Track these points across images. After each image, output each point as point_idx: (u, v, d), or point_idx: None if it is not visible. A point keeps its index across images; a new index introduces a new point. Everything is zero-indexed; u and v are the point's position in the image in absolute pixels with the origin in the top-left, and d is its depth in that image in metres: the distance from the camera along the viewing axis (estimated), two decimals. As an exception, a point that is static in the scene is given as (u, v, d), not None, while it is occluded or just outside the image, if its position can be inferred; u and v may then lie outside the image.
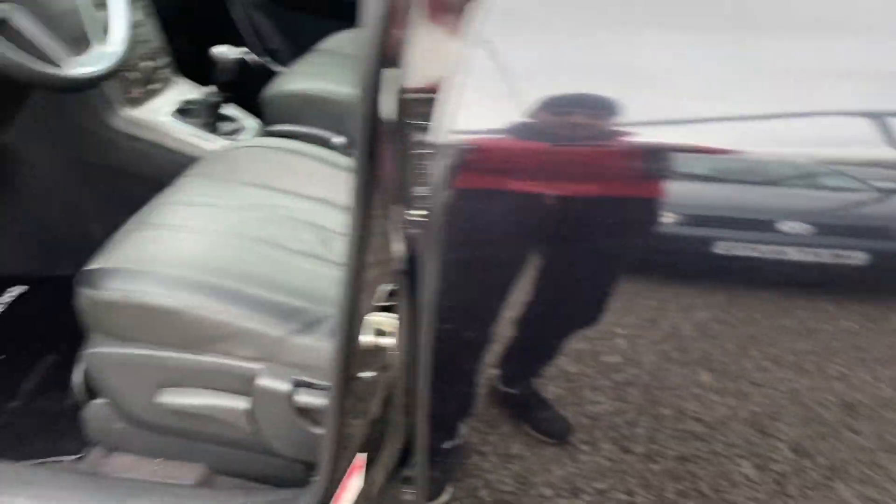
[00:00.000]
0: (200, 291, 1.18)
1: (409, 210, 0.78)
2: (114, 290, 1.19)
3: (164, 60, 1.88)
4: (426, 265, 0.75)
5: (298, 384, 1.17)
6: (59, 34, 1.28)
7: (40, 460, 1.39)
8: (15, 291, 1.88)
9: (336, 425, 0.96)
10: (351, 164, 0.83)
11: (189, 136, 1.75)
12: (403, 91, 0.77)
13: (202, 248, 1.26)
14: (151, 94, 1.79)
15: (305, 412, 1.18)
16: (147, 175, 1.76)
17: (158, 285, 1.18)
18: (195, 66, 1.99)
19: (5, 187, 1.86)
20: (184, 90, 1.90)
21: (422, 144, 0.74)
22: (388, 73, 0.77)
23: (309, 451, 1.23)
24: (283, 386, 1.17)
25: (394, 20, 0.76)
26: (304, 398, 1.17)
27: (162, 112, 1.78)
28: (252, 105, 1.99)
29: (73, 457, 1.40)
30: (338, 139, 1.88)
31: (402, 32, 0.76)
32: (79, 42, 1.33)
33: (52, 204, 1.87)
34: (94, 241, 1.92)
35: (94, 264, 1.25)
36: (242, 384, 1.19)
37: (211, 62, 1.82)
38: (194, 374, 1.20)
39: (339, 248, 1.34)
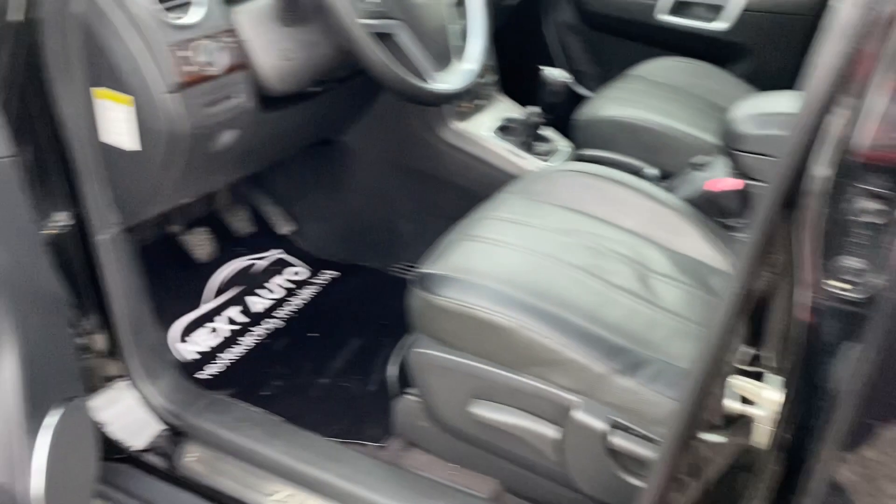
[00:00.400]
0: (530, 313, 1.19)
1: (830, 281, 0.70)
2: (448, 298, 1.24)
3: (492, 77, 1.95)
4: (851, 346, 0.67)
5: (615, 426, 1.14)
6: (429, 50, 1.37)
7: (346, 440, 1.49)
8: (327, 275, 2.07)
9: (662, 483, 0.91)
10: (743, 212, 0.76)
11: (508, 153, 1.80)
12: (848, 151, 0.69)
13: (525, 268, 1.28)
14: (478, 110, 1.87)
15: (617, 455, 1.15)
16: (462, 185, 1.84)
17: (490, 300, 1.21)
18: (515, 85, 2.05)
19: (334, 180, 2.06)
20: (506, 108, 1.96)
21: (866, 213, 0.66)
22: (828, 127, 0.71)
23: (611, 494, 1.20)
24: (599, 424, 1.14)
25: (850, 72, 0.69)
26: (619, 441, 1.14)
27: (485, 127, 1.85)
28: (562, 127, 2.00)
29: (376, 444, 1.49)
30: (650, 170, 1.82)
31: (857, 87, 0.69)
32: (442, 58, 1.42)
33: (371, 200, 2.03)
34: (402, 240, 2.07)
35: (427, 268, 1.31)
36: (556, 413, 1.18)
37: (531, 82, 1.85)
38: (510, 392, 1.22)
39: (661, 291, 1.29)
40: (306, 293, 2.00)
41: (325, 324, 1.88)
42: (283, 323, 1.89)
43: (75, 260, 1.37)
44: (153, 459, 1.45)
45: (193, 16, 1.23)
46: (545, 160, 1.83)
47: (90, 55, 1.21)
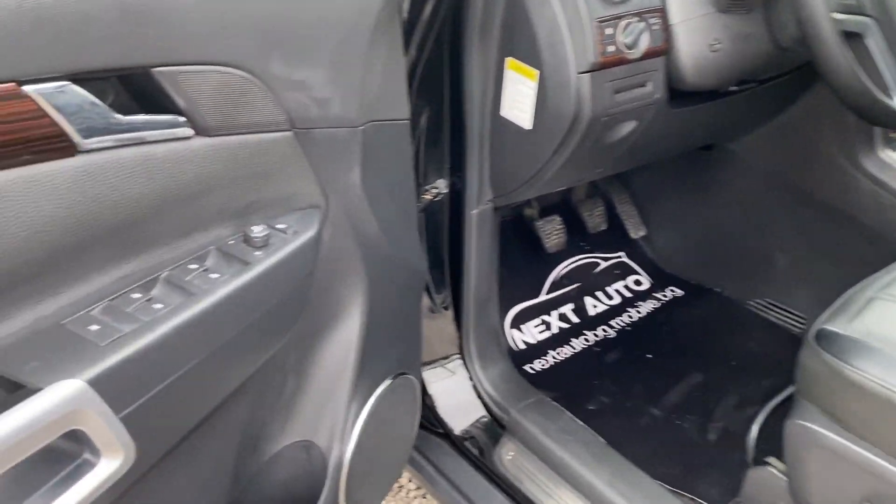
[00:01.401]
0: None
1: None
2: (865, 373, 0.97)
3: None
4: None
5: None
6: (897, 60, 1.08)
7: (676, 490, 1.30)
8: (670, 292, 1.87)
9: None
10: None
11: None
12: None
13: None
14: (913, 139, 1.51)
15: None
16: (875, 229, 1.51)
17: (927, 390, 0.92)
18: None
19: (702, 188, 1.83)
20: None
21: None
22: None
23: None
24: None
25: None
26: None
27: (920, 162, 1.49)
28: None
29: (713, 508, 1.29)
30: None
31: None
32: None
33: (742, 218, 1.78)
34: (772, 273, 1.79)
35: (835, 325, 1.05)
36: None
37: None
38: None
39: None
40: (645, 307, 1.82)
41: (661, 346, 1.69)
42: (614, 333, 1.73)
43: (442, 230, 1.35)
44: (468, 444, 1.40)
45: (625, -10, 1.10)
46: None
47: (510, 21, 1.14)
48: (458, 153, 1.27)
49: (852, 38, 1.05)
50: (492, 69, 1.19)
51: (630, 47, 1.11)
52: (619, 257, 1.94)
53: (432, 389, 1.41)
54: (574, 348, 1.69)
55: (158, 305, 0.68)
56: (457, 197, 1.31)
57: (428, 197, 1.27)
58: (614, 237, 1.94)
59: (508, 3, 1.13)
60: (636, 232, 1.93)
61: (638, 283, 1.90)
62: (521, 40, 1.14)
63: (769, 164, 1.65)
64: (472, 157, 1.26)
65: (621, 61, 1.11)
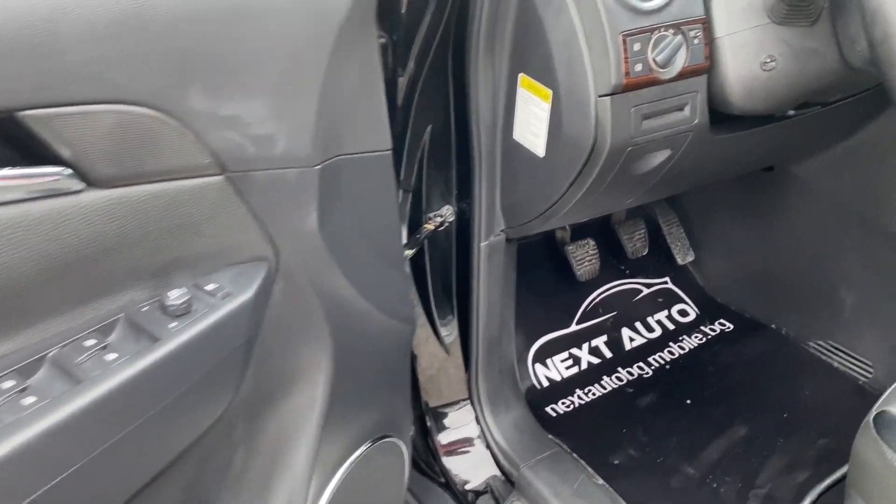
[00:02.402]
0: None
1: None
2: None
3: None
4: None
5: None
6: None
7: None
8: (719, 326, 1.68)
9: None
10: None
11: None
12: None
13: None
14: None
15: None
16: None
17: None
18: None
19: (760, 211, 1.63)
20: None
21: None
22: None
23: None
24: None
25: None
26: None
27: None
28: None
29: None
30: None
31: None
32: None
33: (804, 248, 1.56)
34: (837, 311, 1.57)
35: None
36: None
37: None
38: None
39: None
40: (689, 342, 1.63)
41: (703, 391, 1.50)
42: (651, 372, 1.56)
43: (449, 261, 1.20)
44: (473, 501, 1.26)
45: (660, -3, 0.92)
46: None
47: (522, 32, 0.98)
48: (466, 178, 1.12)
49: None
50: (503, 85, 1.03)
51: (663, 66, 0.93)
52: (664, 283, 1.75)
53: (438, 438, 1.28)
54: (604, 388, 1.52)
55: (29, 400, 0.56)
56: (464, 226, 1.16)
57: (430, 227, 1.13)
58: (659, 262, 1.75)
59: (520, 10, 0.97)
60: (684, 257, 1.73)
61: (683, 313, 1.71)
62: (534, 54, 0.98)
63: (836, 190, 1.43)
64: (479, 183, 1.11)
65: (652, 82, 0.93)
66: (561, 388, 1.51)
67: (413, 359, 1.19)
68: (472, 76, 1.01)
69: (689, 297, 1.74)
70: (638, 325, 1.66)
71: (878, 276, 1.44)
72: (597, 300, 1.67)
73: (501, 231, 1.17)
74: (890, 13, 0.77)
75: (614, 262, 1.70)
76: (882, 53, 0.79)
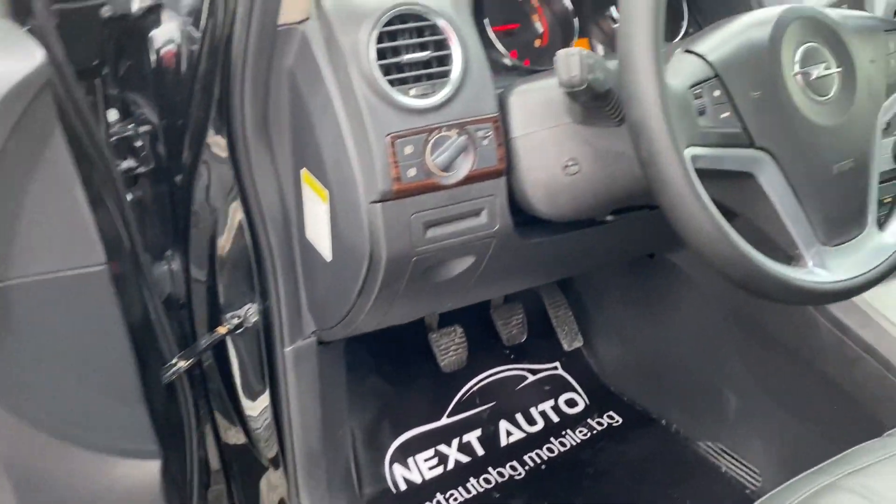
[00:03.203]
0: None
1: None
2: None
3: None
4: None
5: None
6: (821, 203, 0.77)
7: None
8: (607, 419, 1.55)
9: None
10: None
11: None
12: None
13: None
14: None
15: None
16: (842, 386, 1.16)
17: None
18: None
19: (648, 299, 1.51)
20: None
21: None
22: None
23: None
24: None
25: None
26: None
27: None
28: None
29: None
30: None
31: None
32: (843, 220, 0.79)
33: (692, 344, 1.44)
34: (723, 412, 1.44)
35: None
36: None
37: None
38: None
39: None
40: (571, 438, 1.50)
41: (577, 496, 1.37)
42: (524, 474, 1.42)
43: (253, 369, 1.08)
44: None
45: (439, 92, 0.81)
46: None
47: (297, 124, 0.87)
48: (263, 276, 1.01)
49: (736, 179, 0.74)
50: (289, 180, 0.92)
51: (445, 170, 0.82)
52: (554, 369, 1.63)
53: None
54: (469, 492, 1.39)
55: None
56: (268, 329, 1.04)
57: (223, 330, 1.01)
58: (549, 346, 1.62)
59: (292, 101, 0.86)
60: (570, 343, 1.61)
61: (572, 403, 1.58)
62: (309, 151, 0.87)
63: (715, 285, 1.32)
64: (276, 281, 0.99)
65: (433, 187, 0.82)
66: (420, 493, 1.38)
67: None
68: (244, 168, 0.90)
69: (580, 385, 1.61)
70: (519, 416, 1.53)
71: (761, 383, 1.32)
72: (475, 388, 1.55)
73: (313, 333, 1.05)
74: (654, 132, 0.66)
75: (492, 348, 1.57)
76: (650, 174, 0.68)
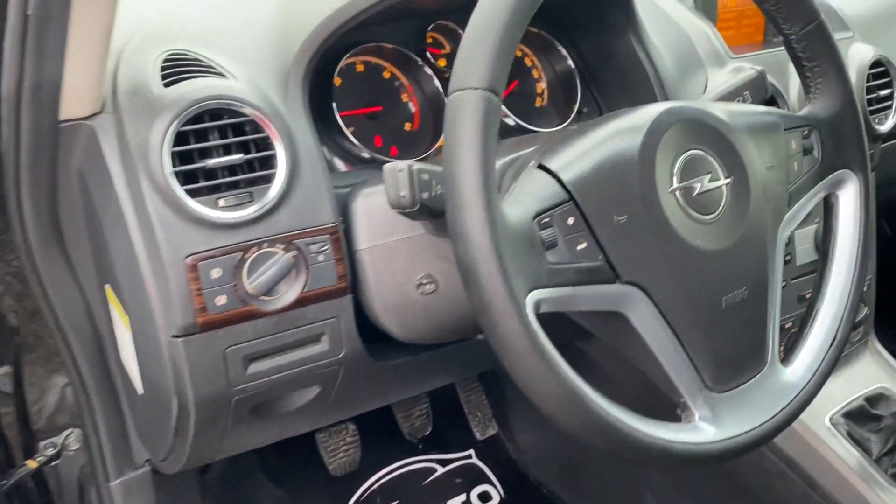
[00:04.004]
0: None
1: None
2: None
3: (864, 313, 1.11)
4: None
5: None
6: (716, 342, 0.64)
7: None
8: (526, 515, 1.40)
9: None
10: None
11: (868, 477, 0.95)
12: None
13: None
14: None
15: None
16: (759, 496, 1.04)
17: None
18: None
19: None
20: (879, 373, 1.09)
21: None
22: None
23: None
24: None
25: None
26: None
27: (824, 409, 1.02)
28: None
29: None
30: None
31: None
32: (741, 356, 0.66)
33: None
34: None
35: None
36: None
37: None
38: None
39: None
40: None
41: None
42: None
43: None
44: None
45: (258, 201, 0.67)
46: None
47: (92, 233, 0.73)
48: (78, 400, 0.85)
49: (607, 318, 0.61)
50: (96, 296, 0.77)
51: (267, 293, 0.68)
52: (467, 458, 1.48)
53: None
54: None
55: None
56: (90, 460, 0.88)
57: (32, 465, 0.85)
58: (456, 435, 1.47)
59: (85, 204, 0.72)
60: (484, 430, 1.47)
61: (485, 497, 1.43)
62: (108, 267, 0.72)
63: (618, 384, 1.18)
64: (90, 407, 0.83)
65: (252, 315, 0.68)
66: None
67: None
68: (33, 283, 0.75)
69: (496, 475, 1.46)
70: (428, 514, 1.38)
71: (683, 490, 1.19)
72: (376, 486, 1.39)
73: (147, 462, 0.89)
74: (484, 278, 0.52)
75: (393, 440, 1.42)
76: (484, 327, 0.54)
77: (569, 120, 0.94)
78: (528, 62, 0.97)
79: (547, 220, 0.57)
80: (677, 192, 0.62)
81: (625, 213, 0.60)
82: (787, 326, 1.01)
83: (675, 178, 0.62)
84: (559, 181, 0.59)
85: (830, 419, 1.02)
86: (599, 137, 0.62)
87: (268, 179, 0.68)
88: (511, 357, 0.54)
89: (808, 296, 0.99)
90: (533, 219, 0.56)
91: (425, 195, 0.58)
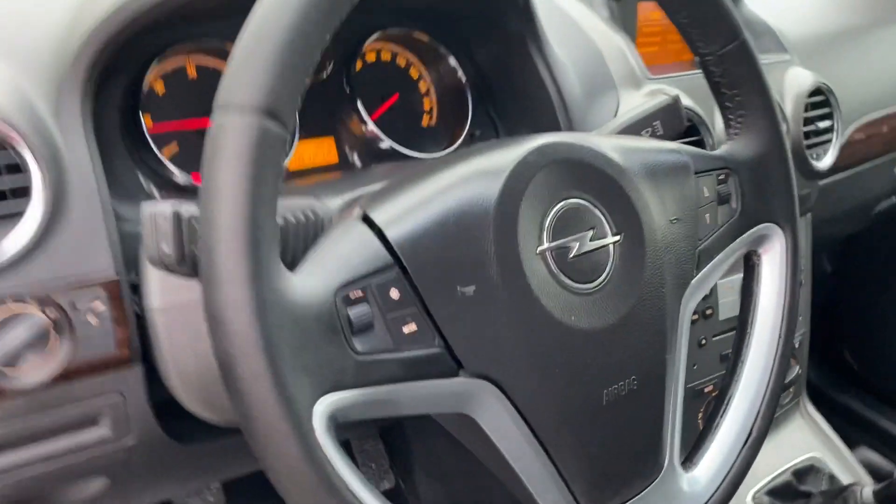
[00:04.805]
0: None
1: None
2: None
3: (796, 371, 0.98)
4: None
5: None
6: (572, 452, 0.49)
7: None
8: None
9: None
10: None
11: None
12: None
13: None
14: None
15: None
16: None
17: None
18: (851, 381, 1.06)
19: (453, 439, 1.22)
20: (810, 440, 0.97)
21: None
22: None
23: None
24: None
25: None
26: None
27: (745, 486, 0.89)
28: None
29: None
30: None
31: None
32: (608, 475, 0.52)
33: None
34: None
35: None
36: None
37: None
38: None
39: None
40: None
41: None
42: None
43: None
44: None
45: (1, 244, 0.51)
46: None
47: None
48: None
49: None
50: None
51: (11, 365, 0.51)
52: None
53: None
54: None
55: None
56: None
57: None
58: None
59: None
60: (378, 482, 1.31)
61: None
62: None
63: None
64: None
65: (-9, 394, 0.51)
66: None
67: None
68: None
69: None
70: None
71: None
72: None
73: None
74: (247, 385, 0.37)
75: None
76: (255, 451, 0.39)
77: (456, 144, 0.79)
78: (413, 73, 0.81)
79: (358, 293, 0.42)
80: (548, 254, 0.47)
81: (472, 282, 0.44)
82: (706, 391, 0.88)
83: (545, 236, 0.47)
84: (382, 239, 0.43)
85: (753, 497, 0.89)
86: (447, 181, 0.46)
87: (19, 215, 0.51)
88: (292, 495, 0.38)
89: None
90: (335, 293, 0.41)
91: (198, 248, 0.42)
